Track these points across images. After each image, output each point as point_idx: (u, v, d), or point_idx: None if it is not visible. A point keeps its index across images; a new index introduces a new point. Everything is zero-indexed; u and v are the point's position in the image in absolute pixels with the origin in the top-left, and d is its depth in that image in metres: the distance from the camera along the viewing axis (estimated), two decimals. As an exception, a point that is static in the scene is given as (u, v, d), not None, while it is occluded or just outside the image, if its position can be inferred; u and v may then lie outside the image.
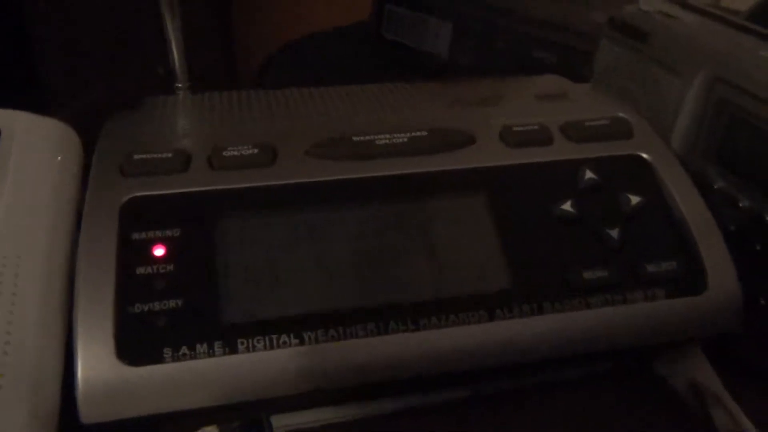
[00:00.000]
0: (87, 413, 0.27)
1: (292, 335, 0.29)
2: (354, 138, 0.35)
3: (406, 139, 0.35)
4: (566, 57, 0.56)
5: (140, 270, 0.29)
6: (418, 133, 0.35)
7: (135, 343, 0.28)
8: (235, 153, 0.33)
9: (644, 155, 0.36)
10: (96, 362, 0.27)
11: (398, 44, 0.67)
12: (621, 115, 0.38)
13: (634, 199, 0.34)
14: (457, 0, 0.63)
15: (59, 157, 0.35)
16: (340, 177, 0.33)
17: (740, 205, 0.35)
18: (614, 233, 0.32)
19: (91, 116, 0.38)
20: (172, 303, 0.29)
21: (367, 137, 0.35)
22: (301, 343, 0.29)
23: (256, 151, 0.33)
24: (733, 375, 0.33)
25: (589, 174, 0.34)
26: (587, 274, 0.31)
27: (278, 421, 0.30)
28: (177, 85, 0.42)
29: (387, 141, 0.35)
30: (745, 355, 0.35)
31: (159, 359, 0.28)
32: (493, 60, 0.61)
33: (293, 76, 0.71)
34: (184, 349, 0.28)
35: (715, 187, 0.37)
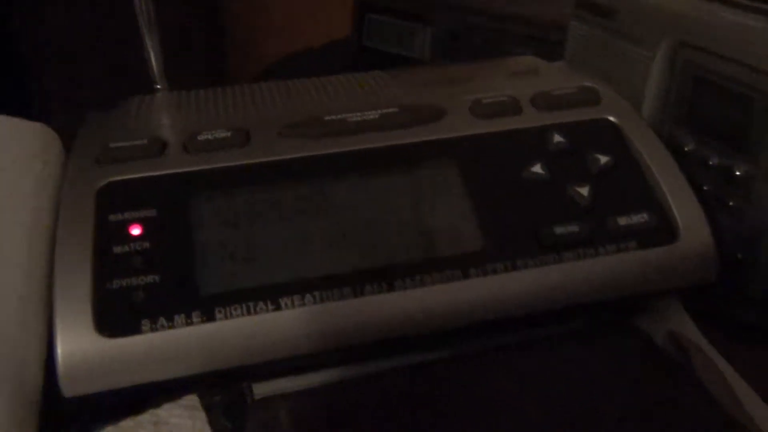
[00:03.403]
0: (68, 387, 0.27)
1: (268, 302, 0.29)
2: (326, 117, 0.35)
3: (377, 116, 0.36)
4: (541, 49, 0.57)
5: (117, 249, 0.30)
6: (390, 110, 0.36)
7: (113, 317, 0.28)
8: (209, 137, 0.34)
9: (611, 118, 0.36)
10: (75, 336, 0.28)
11: (380, 52, 0.68)
12: (588, 84, 0.39)
13: (603, 159, 0.34)
14: (435, 5, 0.64)
15: (39, 156, 0.36)
16: (312, 153, 0.34)
17: (710, 163, 0.36)
18: (584, 191, 0.33)
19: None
20: (149, 278, 0.29)
21: (339, 116, 0.36)
22: (278, 308, 0.29)
23: (229, 134, 0.34)
24: (715, 331, 0.33)
25: (557, 137, 0.35)
26: (559, 230, 0.32)
27: (259, 389, 0.30)
28: (156, 86, 0.42)
29: (359, 118, 0.35)
30: (725, 311, 0.35)
31: (137, 330, 0.28)
32: (473, 59, 0.62)
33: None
34: (162, 320, 0.28)
35: (687, 149, 0.38)
